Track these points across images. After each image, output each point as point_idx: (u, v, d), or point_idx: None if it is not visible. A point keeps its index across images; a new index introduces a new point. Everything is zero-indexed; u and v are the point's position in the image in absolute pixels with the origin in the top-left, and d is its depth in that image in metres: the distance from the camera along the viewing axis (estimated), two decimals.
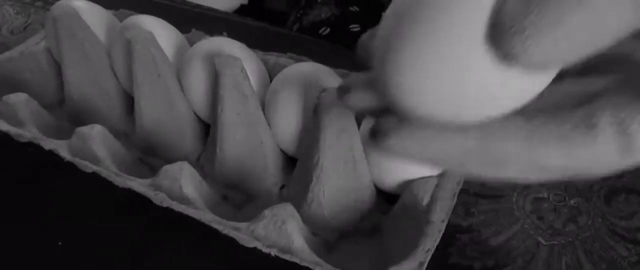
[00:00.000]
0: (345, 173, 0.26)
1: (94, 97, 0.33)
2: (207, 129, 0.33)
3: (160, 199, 0.25)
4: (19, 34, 0.46)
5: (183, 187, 0.25)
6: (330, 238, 0.28)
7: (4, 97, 0.30)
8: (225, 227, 0.24)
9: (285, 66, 0.32)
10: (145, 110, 0.31)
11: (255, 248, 0.24)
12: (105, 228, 0.29)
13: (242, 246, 0.26)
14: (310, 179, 0.26)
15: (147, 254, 0.28)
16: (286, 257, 0.22)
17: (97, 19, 0.34)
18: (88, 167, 0.27)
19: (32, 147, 0.34)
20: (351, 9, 0.60)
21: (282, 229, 0.23)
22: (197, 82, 0.30)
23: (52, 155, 0.32)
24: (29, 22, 0.48)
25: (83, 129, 0.28)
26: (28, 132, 0.28)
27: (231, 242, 0.26)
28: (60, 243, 0.28)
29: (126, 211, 0.30)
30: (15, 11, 0.49)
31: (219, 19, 0.50)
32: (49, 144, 0.28)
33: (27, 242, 0.28)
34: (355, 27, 0.58)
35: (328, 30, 0.59)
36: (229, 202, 0.30)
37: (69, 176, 0.31)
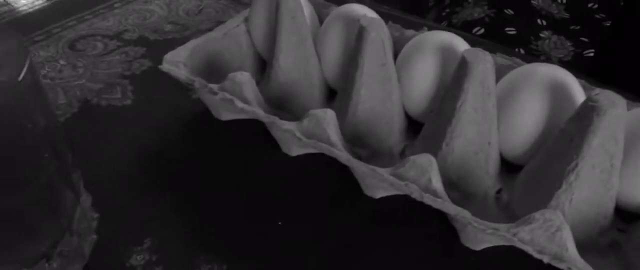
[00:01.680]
0: (598, 183, 0.25)
1: (298, 83, 0.34)
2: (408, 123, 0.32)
3: (411, 190, 0.24)
4: (195, 16, 0.48)
5: (433, 180, 0.24)
6: None
7: (230, 75, 0.30)
8: (486, 227, 0.23)
9: (504, 65, 0.31)
10: (363, 98, 0.30)
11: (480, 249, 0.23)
12: (322, 214, 0.29)
13: (462, 245, 0.26)
14: (559, 186, 0.25)
15: (368, 245, 0.28)
16: (562, 265, 0.21)
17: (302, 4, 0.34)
18: (330, 151, 0.27)
19: (234, 126, 0.35)
20: (506, 11, 0.58)
21: (555, 236, 0.22)
22: (424, 74, 0.29)
23: (255, 134, 0.33)
24: (202, 5, 0.49)
25: (318, 112, 0.28)
26: (261, 112, 0.29)
27: (446, 238, 0.25)
28: (280, 223, 0.28)
29: (343, 199, 0.30)
30: None
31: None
32: (283, 124, 0.28)
33: (247, 218, 0.29)
34: (510, 30, 0.56)
35: (482, 30, 0.57)
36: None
37: (278, 155, 0.32)
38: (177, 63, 0.33)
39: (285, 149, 0.32)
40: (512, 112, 0.27)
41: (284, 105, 0.34)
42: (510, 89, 0.28)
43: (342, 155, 0.27)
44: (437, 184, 0.24)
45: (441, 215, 0.27)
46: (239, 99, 0.30)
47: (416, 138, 0.32)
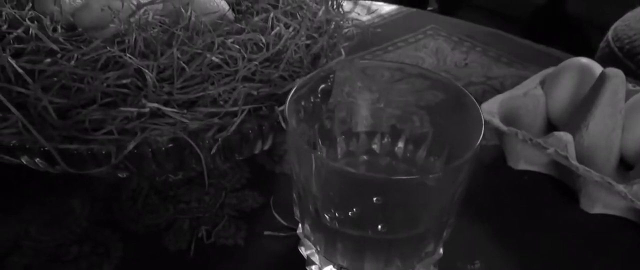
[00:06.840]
0: None
1: (599, 149, 0.38)
2: None
3: None
4: (462, 68, 0.54)
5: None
6: None
7: (556, 134, 0.36)
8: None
9: None
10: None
11: None
12: None
13: None
14: None
15: None
16: None
17: None
18: None
19: (526, 175, 0.40)
20: None
21: None
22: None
23: (550, 185, 0.38)
24: (467, 60, 0.56)
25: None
26: (594, 172, 0.34)
27: None
28: None
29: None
30: (450, 47, 0.58)
31: None
32: (617, 186, 0.33)
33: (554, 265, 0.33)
34: None
35: None
36: None
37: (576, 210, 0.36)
38: (492, 113, 0.39)
39: (586, 207, 0.36)
40: None
41: None
42: None
43: None
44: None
45: None
46: (561, 155, 0.35)
47: None
